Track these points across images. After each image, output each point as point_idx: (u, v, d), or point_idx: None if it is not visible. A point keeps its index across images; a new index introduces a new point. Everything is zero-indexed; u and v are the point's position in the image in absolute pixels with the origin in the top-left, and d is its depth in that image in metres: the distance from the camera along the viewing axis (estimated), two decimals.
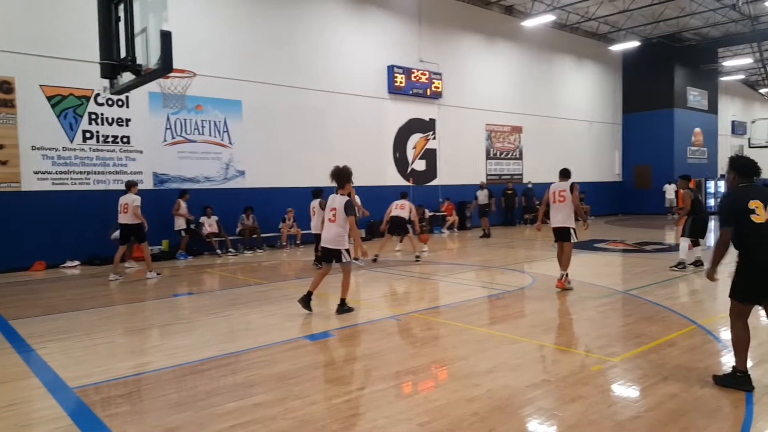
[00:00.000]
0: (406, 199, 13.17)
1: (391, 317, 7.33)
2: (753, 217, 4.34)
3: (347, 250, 7.30)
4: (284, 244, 16.00)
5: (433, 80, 20.00)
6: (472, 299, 8.52)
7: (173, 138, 14.50)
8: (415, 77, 19.43)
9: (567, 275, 8.73)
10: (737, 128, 35.92)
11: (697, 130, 29.19)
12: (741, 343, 4.51)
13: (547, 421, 3.98)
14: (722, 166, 32.67)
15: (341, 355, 5.79)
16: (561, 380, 4.74)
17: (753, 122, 31.08)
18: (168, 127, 14.40)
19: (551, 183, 9.15)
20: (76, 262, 13.00)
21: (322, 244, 7.40)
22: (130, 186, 11.16)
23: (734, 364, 4.57)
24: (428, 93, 19.88)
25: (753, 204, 4.35)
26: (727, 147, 35.01)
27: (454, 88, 20.90)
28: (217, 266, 12.82)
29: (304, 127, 16.91)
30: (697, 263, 10.86)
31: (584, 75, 26.87)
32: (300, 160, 16.72)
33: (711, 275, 4.88)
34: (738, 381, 4.46)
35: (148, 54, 6.44)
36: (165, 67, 6.08)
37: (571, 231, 8.75)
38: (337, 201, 7.28)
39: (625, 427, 3.84)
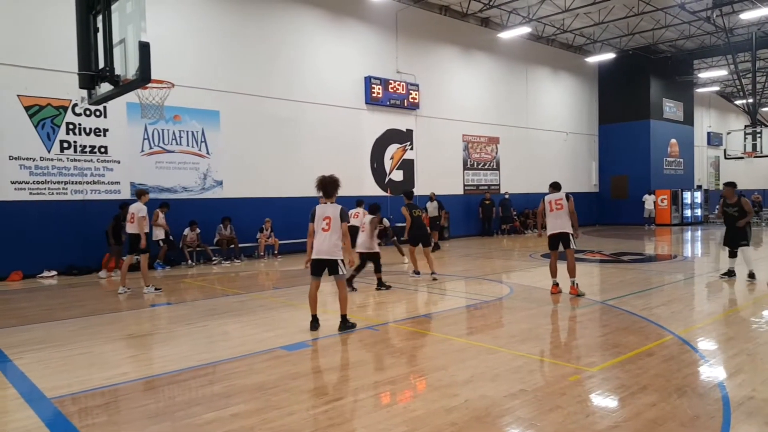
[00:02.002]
0: (362, 207, 12.33)
1: (368, 327, 7.32)
2: None
3: (342, 261, 6.98)
4: (262, 254, 15.93)
5: (411, 91, 20.15)
6: (450, 309, 8.56)
7: (151, 148, 14.39)
8: (392, 88, 19.57)
9: (576, 282, 9.08)
10: (713, 139, 36.65)
11: (673, 141, 29.75)
12: None
13: (525, 431, 4.01)
14: (699, 177, 33.35)
15: (319, 366, 5.78)
16: (539, 390, 4.78)
17: (728, 133, 31.80)
18: (146, 137, 14.29)
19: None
20: (53, 273, 12.81)
21: (316, 255, 6.92)
22: (140, 194, 10.61)
23: None
24: (405, 104, 20.03)
25: None
26: (703, 158, 35.71)
27: (432, 99, 21.08)
28: (195, 276, 12.71)
29: (283, 137, 16.91)
30: (731, 274, 10.75)
31: (560, 86, 27.28)
32: (278, 170, 16.71)
33: None
34: None
35: (126, 65, 6.41)
36: (143, 77, 6.06)
37: (571, 237, 9.05)
38: (330, 209, 7.01)
39: None
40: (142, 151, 14.26)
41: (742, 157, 30.25)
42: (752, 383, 4.88)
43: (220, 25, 15.62)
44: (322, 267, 6.99)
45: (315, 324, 7.12)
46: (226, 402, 4.62)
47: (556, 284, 9.27)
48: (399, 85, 19.79)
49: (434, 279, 11.29)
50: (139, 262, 10.58)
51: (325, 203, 7.18)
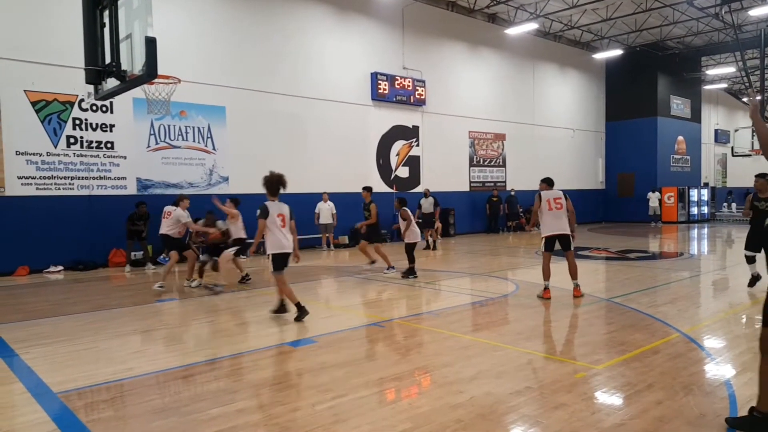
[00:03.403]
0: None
1: (374, 324, 7.33)
2: None
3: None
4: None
5: (417, 87, 20.10)
6: (455, 306, 8.55)
7: (157, 144, 14.42)
8: (398, 84, 19.52)
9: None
10: (721, 137, 36.44)
11: (680, 138, 29.59)
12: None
13: (530, 428, 3.99)
14: (705, 174, 33.16)
15: (324, 362, 5.78)
16: (545, 387, 4.77)
17: (736, 131, 31.58)
18: (152, 132, 14.32)
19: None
20: (60, 267, 12.87)
21: (282, 250, 7.33)
22: (180, 200, 10.41)
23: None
24: (412, 100, 19.98)
25: None
26: (710, 156, 35.52)
27: (438, 96, 21.02)
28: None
29: (288, 133, 16.91)
30: (757, 279, 9.31)
31: (567, 83, 27.16)
32: (284, 166, 16.40)
33: None
34: (753, 424, 3.80)
35: (132, 60, 6.43)
36: (149, 73, 6.07)
37: (570, 238, 8.76)
38: (283, 208, 7.40)
39: None
40: (149, 146, 14.29)
41: (749, 155, 30.03)
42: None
43: (226, 20, 15.62)
44: (286, 260, 7.51)
45: (304, 312, 7.36)
46: (232, 398, 4.62)
47: (548, 288, 8.72)
48: (405, 81, 19.74)
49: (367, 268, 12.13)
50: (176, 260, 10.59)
51: (274, 200, 7.44)
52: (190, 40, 14.86)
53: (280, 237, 7.29)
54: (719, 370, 5.27)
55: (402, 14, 19.77)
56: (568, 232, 8.75)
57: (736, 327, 7.10)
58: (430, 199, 17.43)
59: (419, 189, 20.46)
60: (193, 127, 15.05)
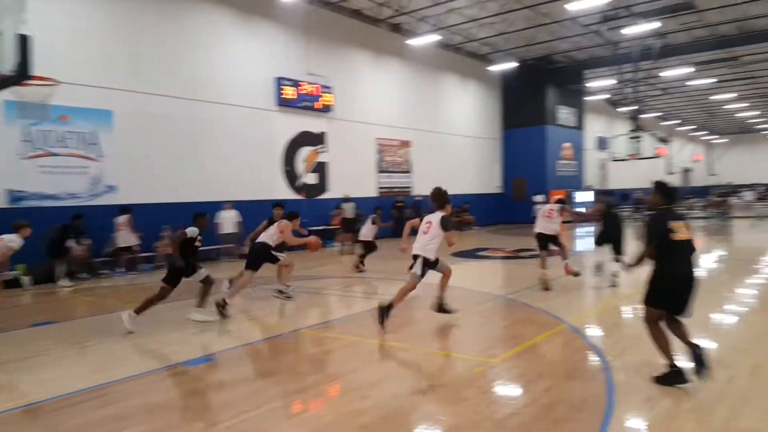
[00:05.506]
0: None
1: (278, 335, 7.16)
2: (673, 236, 4.61)
3: None
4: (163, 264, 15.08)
5: (323, 94, 20.02)
6: (361, 312, 8.53)
7: (33, 151, 13.21)
8: (304, 90, 19.31)
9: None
10: (601, 143, 39.32)
11: (567, 144, 31.66)
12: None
13: (432, 425, 4.07)
14: (588, 178, 35.63)
15: (225, 379, 5.48)
16: (446, 385, 4.90)
17: (614, 138, 34.08)
18: (27, 139, 13.10)
19: None
20: None
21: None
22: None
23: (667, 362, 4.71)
24: (318, 106, 19.86)
25: (674, 225, 4.66)
26: (593, 160, 38.19)
27: (345, 102, 21.06)
28: (85, 291, 11.82)
29: (187, 139, 16.17)
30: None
31: (468, 93, 28.27)
32: (182, 173, 15.92)
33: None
34: (675, 376, 4.63)
35: (2, 59, 5.90)
36: (21, 73, 5.60)
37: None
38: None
39: (503, 425, 4.04)
40: (23, 154, 13.05)
41: (626, 160, 32.55)
42: (634, 364, 5.26)
43: (114, 18, 14.61)
44: None
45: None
46: (120, 425, 4.30)
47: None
48: (311, 87, 19.56)
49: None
50: None
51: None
52: (72, 38, 13.74)
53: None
54: (599, 356, 5.63)
55: (306, 19, 19.59)
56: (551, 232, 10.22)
57: (615, 317, 7.68)
58: (352, 204, 17.25)
59: (327, 195, 20.37)
60: (76, 133, 13.94)
